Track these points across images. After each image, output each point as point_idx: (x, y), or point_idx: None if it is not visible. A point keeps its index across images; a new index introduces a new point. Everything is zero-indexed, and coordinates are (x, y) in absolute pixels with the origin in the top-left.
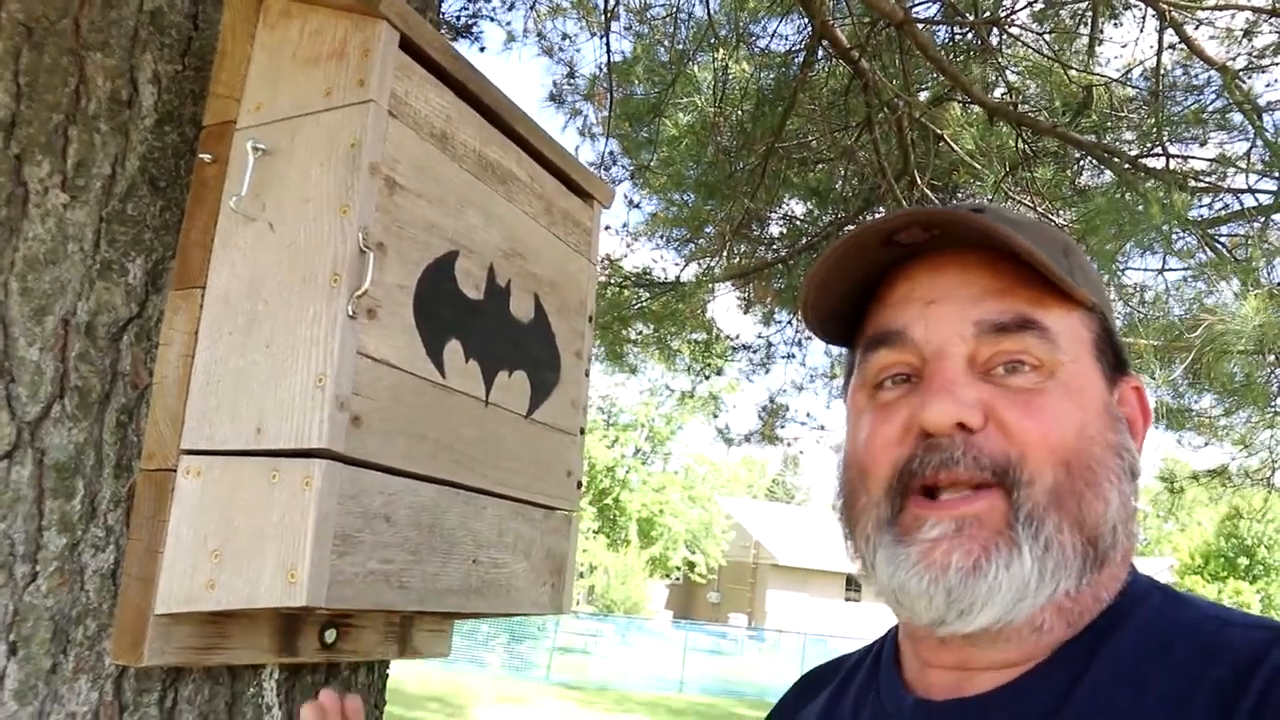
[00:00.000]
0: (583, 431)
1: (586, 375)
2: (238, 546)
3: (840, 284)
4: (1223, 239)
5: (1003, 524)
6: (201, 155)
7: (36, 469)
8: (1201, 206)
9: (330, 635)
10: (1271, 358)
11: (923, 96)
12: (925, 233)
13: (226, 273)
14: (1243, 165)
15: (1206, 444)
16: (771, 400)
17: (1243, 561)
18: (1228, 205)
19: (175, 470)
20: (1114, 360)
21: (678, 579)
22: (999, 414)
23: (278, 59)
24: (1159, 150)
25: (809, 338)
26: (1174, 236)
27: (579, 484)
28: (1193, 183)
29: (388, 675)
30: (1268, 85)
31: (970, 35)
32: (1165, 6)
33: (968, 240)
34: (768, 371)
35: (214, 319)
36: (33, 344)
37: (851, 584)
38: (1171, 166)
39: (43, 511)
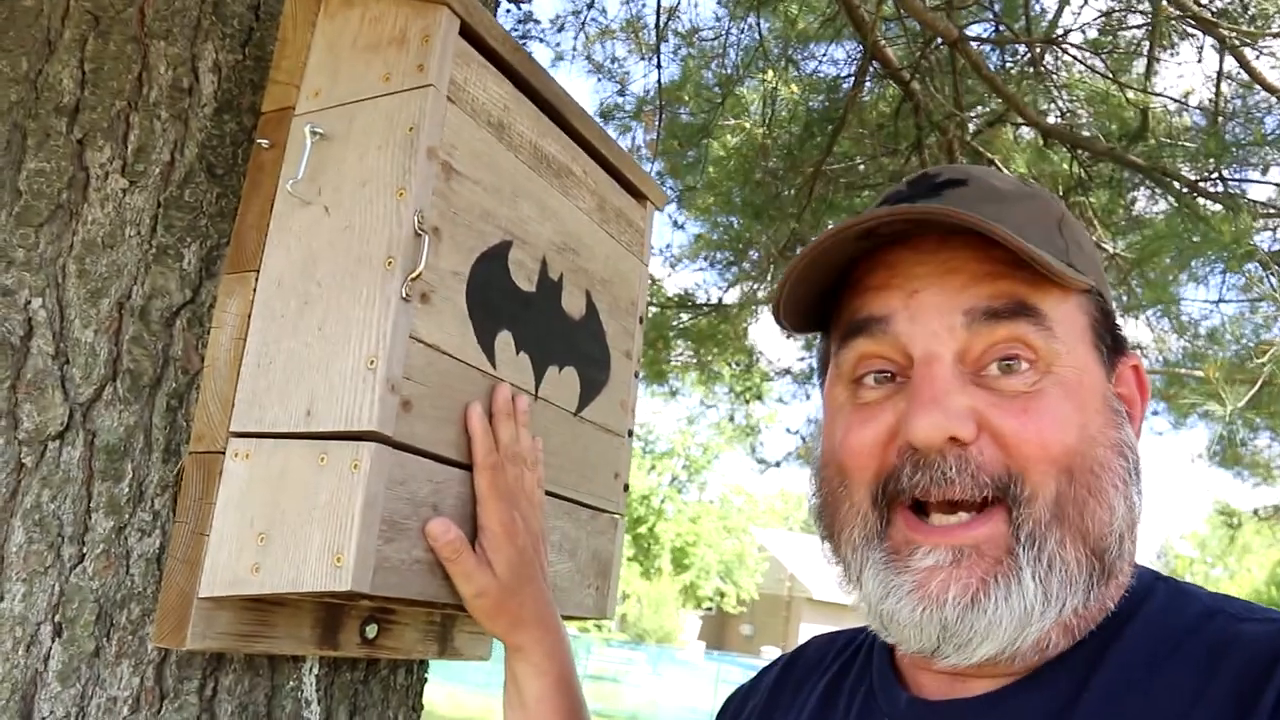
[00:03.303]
0: (631, 434)
1: (636, 376)
2: (284, 529)
3: (816, 277)
4: None
5: (1003, 550)
6: (259, 140)
7: (87, 450)
8: (1263, 231)
9: (371, 630)
10: None
11: (974, 120)
12: (905, 223)
13: (281, 256)
14: None
15: (1260, 483)
16: (817, 425)
17: None
18: None
19: (224, 453)
20: (1112, 342)
21: (710, 609)
22: (993, 423)
23: (337, 46)
24: (1216, 176)
25: None
26: (1240, 255)
27: (625, 487)
28: (1256, 209)
29: (426, 678)
30: None
31: (1024, 55)
32: (1224, 33)
33: (952, 228)
34: (808, 397)
35: (267, 302)
36: (88, 326)
37: None
38: (1230, 193)
39: (91, 493)
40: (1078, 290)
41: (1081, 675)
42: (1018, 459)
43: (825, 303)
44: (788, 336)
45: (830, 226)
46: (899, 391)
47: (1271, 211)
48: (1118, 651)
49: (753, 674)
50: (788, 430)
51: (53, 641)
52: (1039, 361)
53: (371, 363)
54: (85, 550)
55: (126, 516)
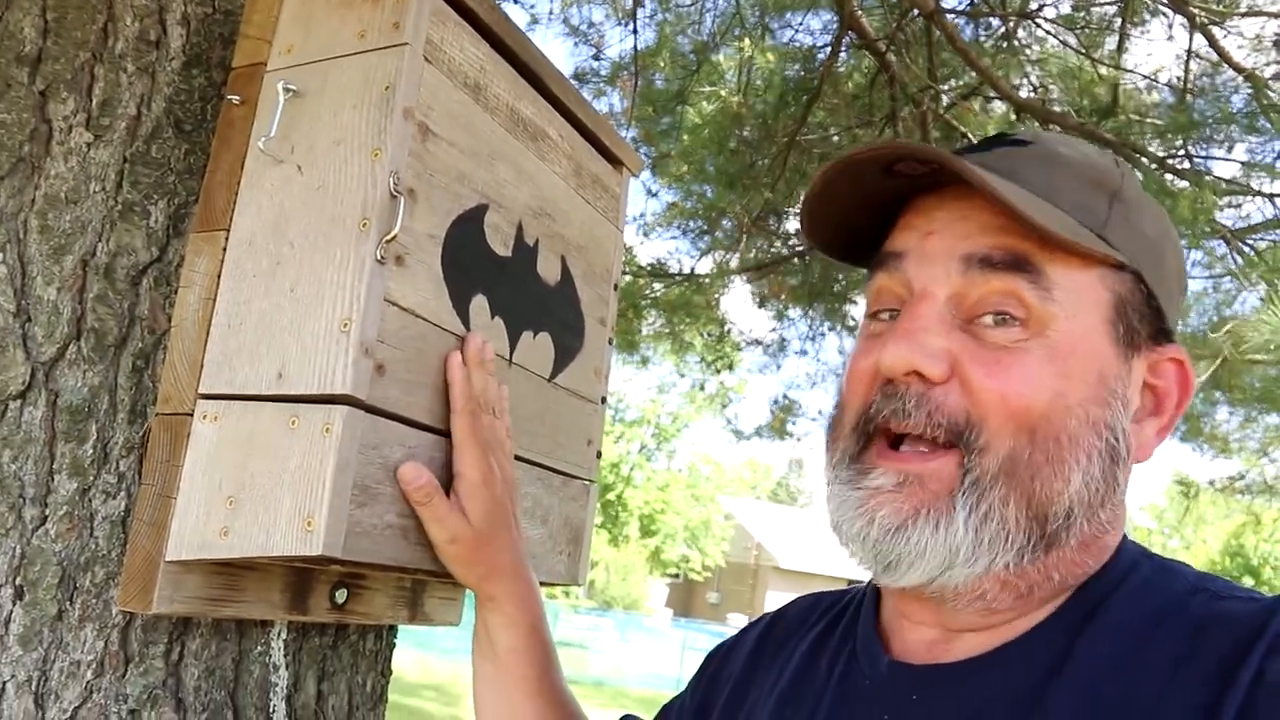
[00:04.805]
0: (604, 401)
1: (610, 344)
2: (254, 493)
3: (843, 201)
4: (1249, 247)
5: (944, 488)
6: (230, 96)
7: (49, 411)
8: (1229, 209)
9: (341, 595)
10: None
11: (948, 93)
12: (923, 166)
13: (252, 215)
14: (1271, 170)
15: (1219, 456)
16: (785, 397)
17: (1248, 581)
18: (1248, 217)
19: (191, 414)
20: (1149, 329)
21: (676, 575)
22: (964, 369)
23: (310, 1)
24: (1184, 153)
25: (823, 334)
26: (1202, 231)
27: (598, 454)
28: (1221, 186)
29: (395, 644)
30: None
31: (998, 29)
32: (1194, 11)
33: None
34: (779, 367)
35: (237, 261)
36: (50, 284)
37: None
38: (1196, 170)
39: (54, 454)
40: (1106, 264)
41: (1063, 647)
42: (978, 408)
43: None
44: (844, 260)
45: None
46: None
47: (1235, 189)
48: (1100, 625)
49: (719, 640)
50: (772, 402)
51: (14, 605)
52: (1031, 320)
53: (345, 325)
54: (48, 512)
55: (91, 478)
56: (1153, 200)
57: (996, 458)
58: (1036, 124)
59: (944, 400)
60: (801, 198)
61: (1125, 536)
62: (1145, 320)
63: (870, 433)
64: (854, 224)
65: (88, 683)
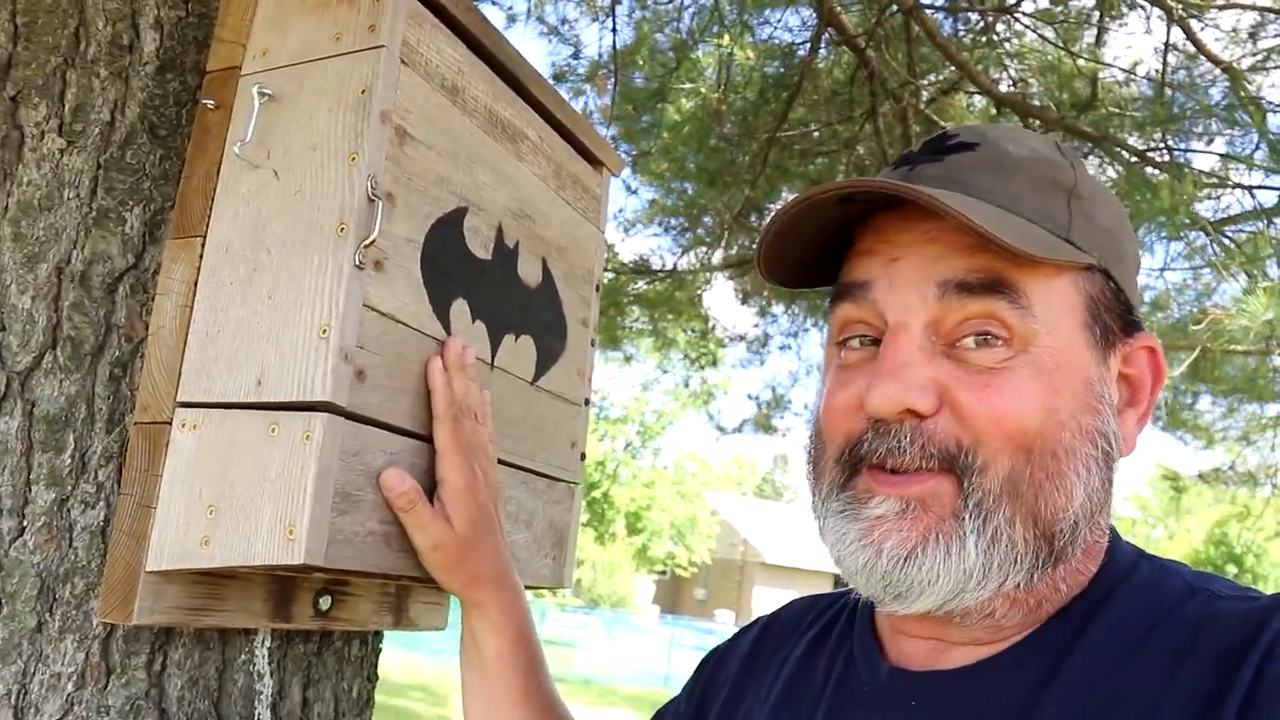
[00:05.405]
0: (587, 403)
1: (592, 345)
2: (234, 502)
3: (800, 236)
4: (1228, 238)
5: (948, 510)
6: (204, 101)
7: (26, 421)
8: (1207, 200)
9: (325, 602)
10: (1278, 357)
11: (927, 88)
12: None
13: (229, 221)
14: (1249, 162)
15: (1204, 448)
16: (772, 391)
17: (1231, 569)
18: (1227, 208)
19: (170, 423)
20: (1120, 323)
21: (663, 572)
22: (954, 396)
23: (286, 4)
24: (1163, 146)
25: (806, 329)
26: (1182, 223)
27: (582, 456)
28: (1200, 178)
29: (381, 649)
30: (1271, 85)
31: (977, 23)
32: (1172, 4)
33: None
34: (763, 363)
35: (214, 268)
36: (25, 292)
37: (839, 584)
38: (1175, 162)
39: (31, 465)
40: (1076, 268)
41: (1061, 651)
42: (971, 433)
43: (836, 259)
44: (793, 286)
45: (799, 193)
46: (874, 357)
47: (1214, 181)
48: (1097, 628)
49: (708, 638)
50: (748, 397)
51: None
52: (1013, 339)
53: (324, 332)
54: (25, 523)
55: (69, 488)
56: (1102, 185)
57: (997, 477)
58: (1017, 118)
59: (935, 430)
60: (759, 240)
61: (1115, 533)
62: (1116, 315)
63: (857, 465)
64: (808, 256)
65: (69, 695)
